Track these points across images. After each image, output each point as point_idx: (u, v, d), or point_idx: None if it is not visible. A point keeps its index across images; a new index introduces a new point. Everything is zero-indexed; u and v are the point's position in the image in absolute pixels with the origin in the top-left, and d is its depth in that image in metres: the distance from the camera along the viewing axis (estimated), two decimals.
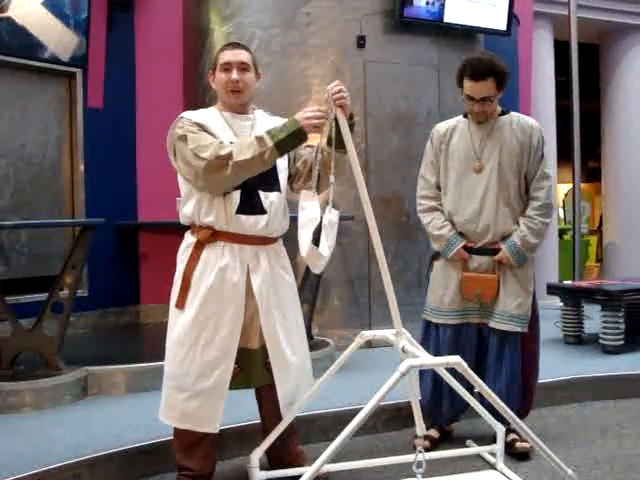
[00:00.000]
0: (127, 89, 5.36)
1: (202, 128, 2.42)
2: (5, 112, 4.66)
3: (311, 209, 2.36)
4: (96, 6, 4.98)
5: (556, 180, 7.52)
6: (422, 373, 3.05)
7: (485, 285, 2.91)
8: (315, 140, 2.51)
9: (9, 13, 4.47)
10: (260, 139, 2.32)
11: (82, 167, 5.05)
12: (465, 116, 3.04)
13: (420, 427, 2.52)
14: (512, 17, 5.36)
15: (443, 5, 4.93)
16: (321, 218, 2.36)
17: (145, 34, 5.42)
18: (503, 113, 2.98)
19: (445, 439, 3.12)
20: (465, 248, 2.96)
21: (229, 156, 2.30)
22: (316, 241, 2.34)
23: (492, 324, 2.93)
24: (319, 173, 2.44)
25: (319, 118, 2.34)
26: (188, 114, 2.49)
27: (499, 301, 2.91)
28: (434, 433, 3.10)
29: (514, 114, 3.00)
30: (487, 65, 2.82)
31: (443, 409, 3.04)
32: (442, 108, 4.98)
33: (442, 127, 3.07)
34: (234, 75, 2.46)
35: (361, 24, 4.81)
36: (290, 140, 2.34)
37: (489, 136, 2.94)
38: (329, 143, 2.40)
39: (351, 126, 2.39)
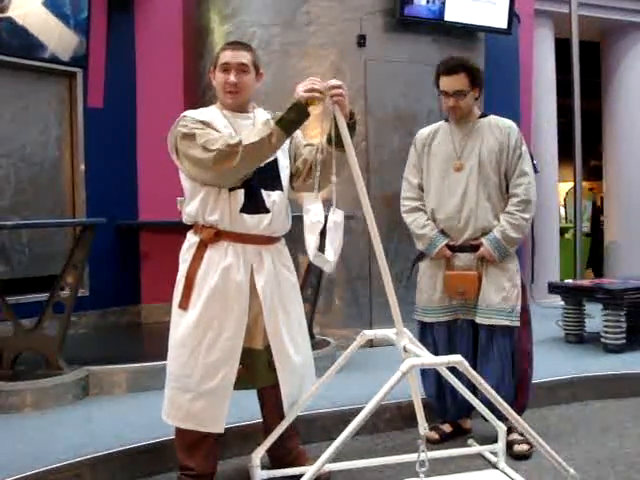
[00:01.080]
0: (127, 89, 5.36)
1: (207, 126, 2.41)
2: (5, 112, 4.66)
3: (315, 211, 2.34)
4: (96, 6, 4.97)
5: (557, 178, 7.52)
6: (425, 370, 3.10)
7: (466, 282, 2.97)
8: (316, 139, 2.49)
9: (9, 13, 4.47)
10: (266, 122, 2.31)
11: (83, 167, 5.05)
12: (447, 120, 3.15)
13: (422, 426, 2.51)
14: (513, 15, 5.36)
15: (444, 4, 4.92)
16: (326, 220, 2.35)
17: (145, 34, 5.42)
18: (482, 116, 3.09)
19: (459, 435, 3.13)
20: (448, 247, 3.02)
21: (239, 143, 2.28)
22: (322, 244, 2.34)
23: (478, 320, 2.97)
24: (320, 172, 2.43)
25: (313, 87, 2.26)
26: (191, 113, 2.49)
27: (484, 296, 2.96)
28: (446, 427, 3.15)
29: (492, 116, 3.10)
30: (458, 61, 3.03)
31: (447, 405, 3.09)
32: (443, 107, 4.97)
33: (425, 131, 3.22)
34: (231, 77, 2.46)
35: (361, 23, 4.81)
36: (290, 115, 2.28)
37: (469, 136, 3.04)
38: (329, 142, 2.39)
39: (353, 125, 2.37)
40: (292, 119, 2.30)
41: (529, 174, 2.99)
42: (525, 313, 3.03)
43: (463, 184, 2.99)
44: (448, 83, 2.98)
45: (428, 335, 3.09)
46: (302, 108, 2.29)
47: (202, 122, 2.42)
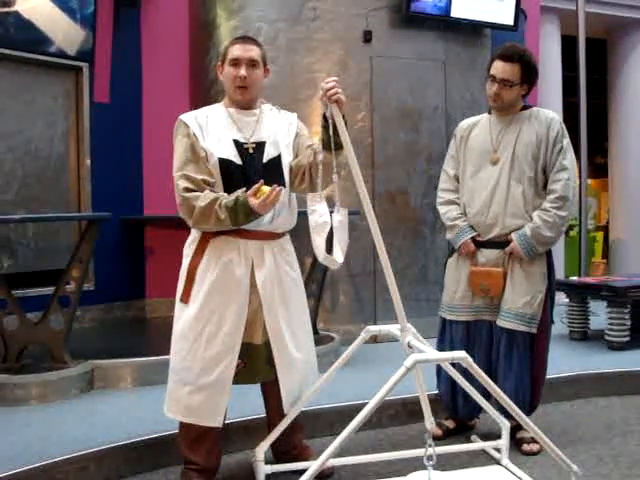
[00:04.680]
0: (133, 83, 5.37)
1: (195, 140, 2.41)
2: (12, 106, 4.67)
3: (321, 212, 2.34)
4: (102, 0, 4.97)
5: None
6: (440, 368, 3.06)
7: (491, 278, 2.90)
8: (316, 137, 2.49)
9: (16, 7, 4.48)
10: (221, 209, 2.31)
11: (88, 161, 5.06)
12: (489, 112, 3.05)
13: (429, 421, 2.51)
14: (519, 12, 5.34)
15: (450, 0, 4.91)
16: (331, 220, 2.35)
17: (151, 28, 5.43)
18: (525, 108, 2.97)
19: (462, 431, 3.14)
20: (475, 242, 2.96)
21: (191, 214, 2.36)
22: (330, 243, 2.34)
23: (499, 322, 2.92)
24: (321, 173, 2.40)
25: (266, 200, 2.26)
26: (188, 118, 2.48)
27: (506, 299, 2.89)
28: (450, 423, 3.13)
29: (535, 108, 2.99)
30: (518, 50, 2.86)
31: (459, 405, 3.06)
32: (448, 103, 4.97)
33: (465, 123, 3.12)
34: (242, 71, 2.45)
35: (367, 19, 4.80)
36: (248, 220, 2.33)
37: (507, 128, 2.94)
38: (324, 144, 2.36)
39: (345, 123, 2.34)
40: (248, 220, 2.34)
41: (569, 169, 2.84)
42: (547, 320, 2.93)
43: (495, 178, 2.89)
44: (499, 68, 2.84)
45: (447, 332, 3.05)
46: (258, 215, 2.32)
47: (190, 135, 2.41)
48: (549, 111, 2.99)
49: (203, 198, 2.34)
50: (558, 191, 2.83)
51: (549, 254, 2.97)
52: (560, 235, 2.90)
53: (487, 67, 2.94)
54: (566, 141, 2.88)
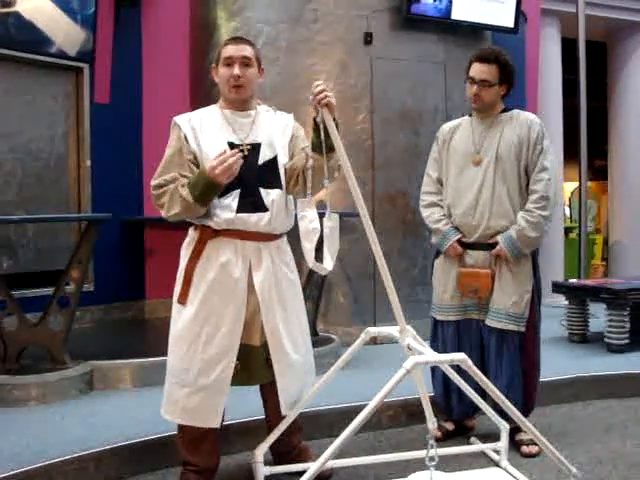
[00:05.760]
0: (134, 84, 5.37)
1: (184, 144, 2.42)
2: (12, 107, 4.67)
3: (311, 218, 2.38)
4: (103, 1, 4.98)
5: (562, 178, 7.51)
6: (434, 369, 3.10)
7: (479, 280, 2.94)
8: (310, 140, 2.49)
9: (17, 8, 4.49)
10: (183, 187, 2.35)
11: (88, 162, 5.06)
12: (470, 115, 3.10)
13: (431, 422, 2.51)
14: (520, 14, 5.35)
15: (450, 2, 4.92)
16: (321, 226, 2.36)
17: (152, 29, 5.43)
18: (505, 110, 3.03)
19: (461, 433, 3.14)
20: (461, 244, 2.99)
21: (162, 205, 2.41)
22: (320, 247, 2.35)
23: (488, 322, 2.95)
24: (311, 178, 2.41)
25: (223, 163, 2.27)
26: (181, 120, 2.49)
27: (495, 299, 2.93)
28: (449, 425, 3.15)
29: (515, 111, 3.04)
30: (494, 52, 2.97)
31: (452, 404, 3.08)
32: (449, 105, 4.97)
33: (447, 125, 3.17)
34: (236, 70, 2.45)
35: (368, 21, 4.81)
36: (208, 193, 2.33)
37: (489, 130, 2.99)
38: (314, 148, 2.38)
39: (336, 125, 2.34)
40: (211, 194, 2.35)
41: (550, 170, 2.90)
42: (535, 319, 2.97)
43: (480, 179, 2.94)
44: (477, 70, 2.93)
45: (439, 332, 3.08)
46: (218, 186, 2.32)
47: (181, 138, 2.43)
48: (529, 113, 3.06)
49: (170, 187, 2.39)
50: (540, 191, 2.89)
51: (534, 253, 3.00)
52: (544, 235, 2.94)
53: (466, 70, 3.01)
54: (546, 142, 2.94)
